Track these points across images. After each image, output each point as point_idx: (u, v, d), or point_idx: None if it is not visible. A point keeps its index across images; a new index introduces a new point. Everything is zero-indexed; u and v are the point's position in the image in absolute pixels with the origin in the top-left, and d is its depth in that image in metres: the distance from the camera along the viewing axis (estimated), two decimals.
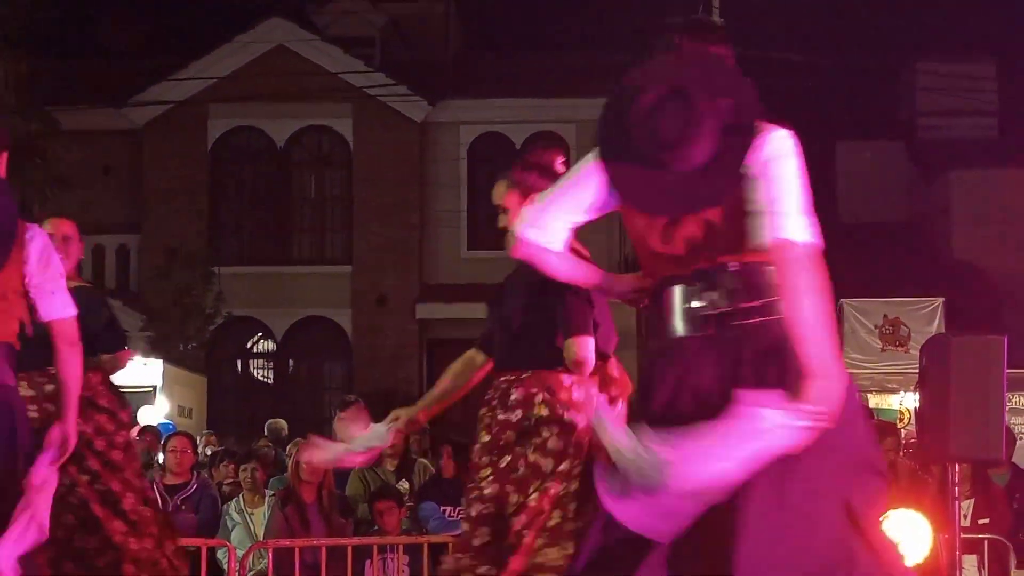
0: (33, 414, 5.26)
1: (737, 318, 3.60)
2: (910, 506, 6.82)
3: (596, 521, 3.57)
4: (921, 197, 25.14)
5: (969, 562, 8.01)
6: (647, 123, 3.63)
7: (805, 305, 3.53)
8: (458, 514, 8.33)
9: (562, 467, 4.85)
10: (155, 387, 17.93)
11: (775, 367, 3.54)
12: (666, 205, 3.66)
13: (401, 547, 8.37)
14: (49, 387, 5.45)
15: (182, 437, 9.76)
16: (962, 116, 24.74)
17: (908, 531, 6.72)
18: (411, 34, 25.00)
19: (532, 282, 4.72)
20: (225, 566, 8.20)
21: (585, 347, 4.88)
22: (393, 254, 22.54)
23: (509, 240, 4.05)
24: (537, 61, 23.70)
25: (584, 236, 4.13)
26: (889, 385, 16.29)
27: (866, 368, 16.13)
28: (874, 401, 16.02)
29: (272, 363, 23.93)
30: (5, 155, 4.89)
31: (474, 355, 5.39)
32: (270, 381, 23.98)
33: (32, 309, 4.71)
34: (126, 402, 6.64)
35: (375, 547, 8.28)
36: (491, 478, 4.91)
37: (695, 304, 3.63)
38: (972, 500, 8.66)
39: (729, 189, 3.61)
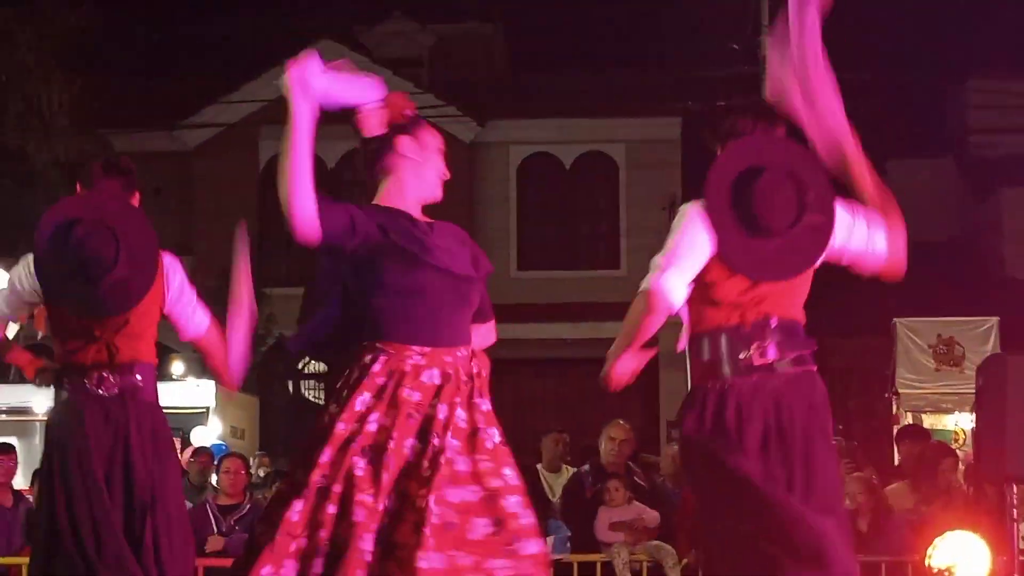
0: None
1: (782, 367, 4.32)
2: (967, 528, 6.76)
3: None
4: (972, 215, 24.97)
5: None
6: (769, 199, 4.23)
7: None
8: None
9: None
10: (208, 408, 18.04)
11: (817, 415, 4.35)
12: (768, 272, 4.30)
13: None
14: None
15: (235, 458, 9.79)
16: (1013, 133, 24.56)
17: (965, 553, 6.67)
18: (459, 55, 25.08)
19: None
20: None
21: None
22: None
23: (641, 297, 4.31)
24: (586, 80, 23.73)
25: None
26: (944, 405, 16.15)
27: (920, 388, 15.99)
28: (928, 421, 15.88)
29: (323, 384, 24.01)
30: (138, 195, 5.61)
31: None
32: (321, 401, 24.04)
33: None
34: None
35: None
36: None
37: (743, 355, 4.30)
38: None
39: (816, 261, 4.39)
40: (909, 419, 15.74)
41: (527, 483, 4.10)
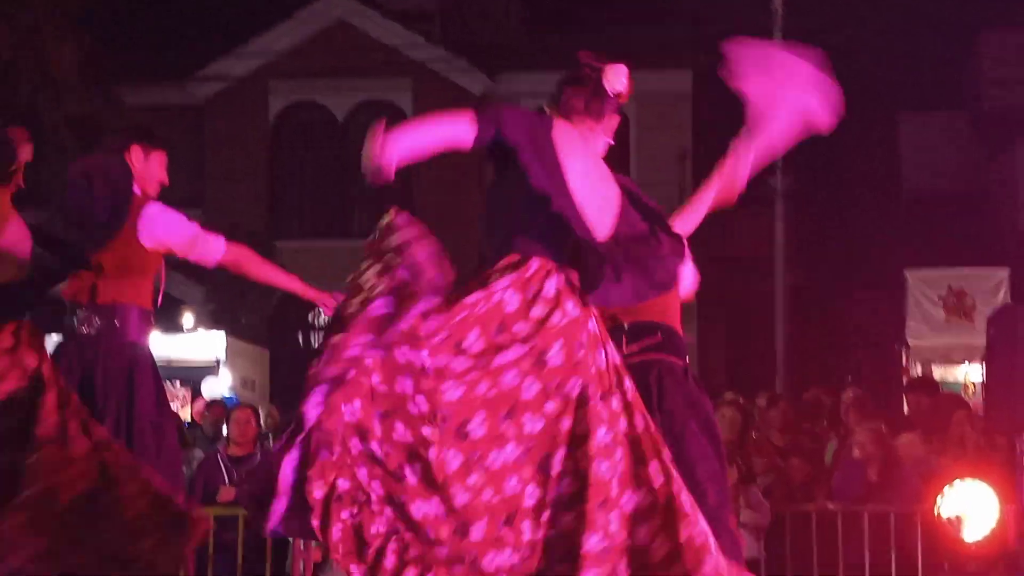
0: None
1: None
2: (977, 477, 6.77)
3: None
4: (985, 168, 24.87)
5: None
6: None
7: None
8: None
9: None
10: (218, 360, 18.09)
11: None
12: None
13: None
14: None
15: (246, 409, 9.82)
16: None
17: (975, 502, 6.68)
18: (471, 10, 24.98)
19: None
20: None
21: None
22: (453, 227, 22.53)
23: None
24: (596, 34, 23.60)
25: None
26: (954, 357, 16.14)
27: (930, 339, 15.99)
28: (938, 373, 15.87)
29: None
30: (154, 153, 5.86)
31: None
32: None
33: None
34: None
35: None
36: None
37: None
38: None
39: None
40: (919, 370, 15.75)
41: None
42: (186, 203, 23.56)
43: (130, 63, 21.47)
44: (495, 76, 22.81)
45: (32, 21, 17.93)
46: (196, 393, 16.67)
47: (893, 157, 23.73)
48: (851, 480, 8.24)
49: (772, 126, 4.73)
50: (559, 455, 4.05)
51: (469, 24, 24.48)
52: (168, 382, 11.70)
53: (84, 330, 5.44)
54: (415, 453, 3.98)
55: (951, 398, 9.89)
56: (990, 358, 7.46)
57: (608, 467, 4.04)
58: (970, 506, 6.67)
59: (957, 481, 6.67)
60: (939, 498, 6.72)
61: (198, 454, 9.95)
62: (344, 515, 3.96)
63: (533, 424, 4.05)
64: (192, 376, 17.31)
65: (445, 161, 23.70)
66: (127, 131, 5.97)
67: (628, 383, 4.21)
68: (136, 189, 5.65)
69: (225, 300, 20.95)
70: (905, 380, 14.42)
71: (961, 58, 26.41)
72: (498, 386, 4.05)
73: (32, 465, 4.91)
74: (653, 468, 4.11)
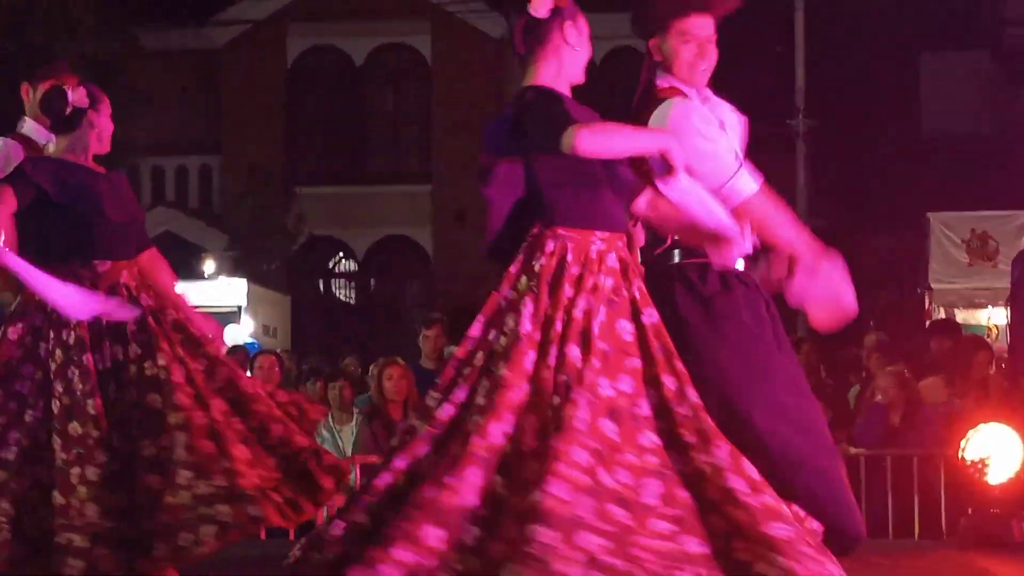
0: None
1: None
2: (1001, 421, 6.73)
3: None
4: (1008, 108, 24.65)
5: None
6: None
7: None
8: None
9: None
10: (240, 307, 18.11)
11: None
12: None
13: None
14: None
15: (269, 355, 9.81)
16: None
17: (999, 446, 6.64)
18: None
19: None
20: None
21: None
22: (472, 171, 22.48)
23: None
24: None
25: None
26: (977, 300, 16.06)
27: (953, 283, 15.90)
28: (961, 316, 15.79)
29: (353, 282, 24.06)
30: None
31: None
32: (352, 300, 24.13)
33: None
34: None
35: None
36: None
37: None
38: None
39: None
40: (942, 314, 15.67)
41: None
42: (204, 149, 23.70)
43: (147, 5, 21.40)
44: None
45: None
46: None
47: (914, 98, 23.53)
48: (873, 424, 8.22)
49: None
50: None
51: None
52: None
53: None
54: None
55: (972, 340, 9.85)
56: (1014, 301, 7.42)
57: None
58: (994, 449, 6.63)
59: (981, 425, 6.63)
60: (963, 441, 6.68)
61: None
62: None
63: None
64: None
65: (462, 101, 23.59)
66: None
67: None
68: None
69: (246, 247, 20.96)
70: (928, 324, 14.36)
71: None
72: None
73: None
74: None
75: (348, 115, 23.49)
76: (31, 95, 5.79)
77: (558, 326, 3.91)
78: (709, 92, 4.61)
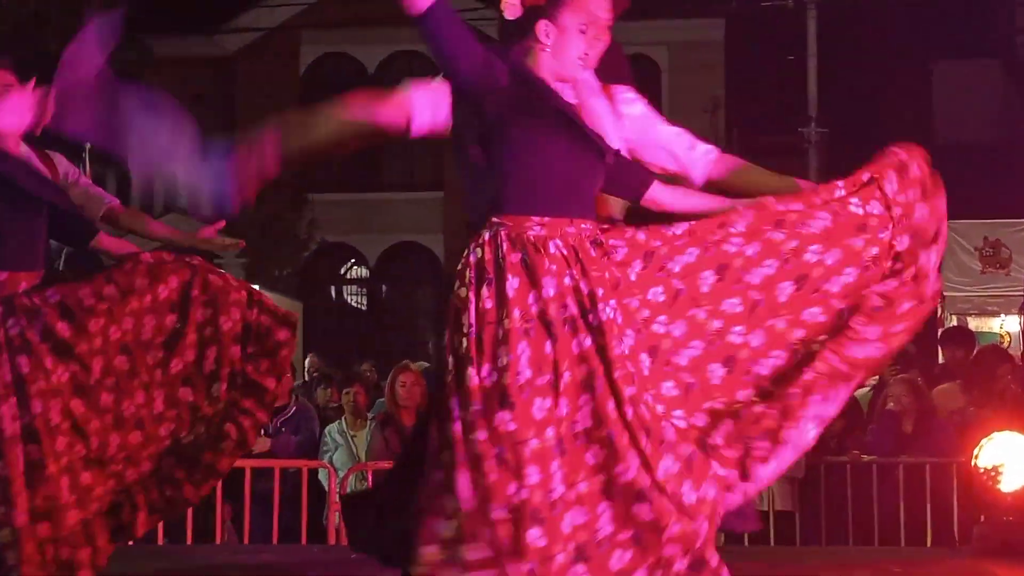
0: None
1: None
2: (1015, 429, 6.72)
3: None
4: (1021, 116, 24.64)
5: None
6: None
7: None
8: None
9: None
10: None
11: None
12: None
13: None
14: None
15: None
16: None
17: (1013, 453, 6.64)
18: None
19: None
20: (326, 487, 8.30)
21: None
22: None
23: None
24: None
25: None
26: (989, 308, 16.04)
27: (966, 291, 15.88)
28: (974, 324, 15.76)
29: (365, 289, 24.09)
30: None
31: None
32: (364, 307, 24.16)
33: None
34: None
35: None
36: None
37: None
38: None
39: None
40: (954, 322, 15.65)
41: None
42: None
43: (161, 14, 21.47)
44: None
45: None
46: None
47: (927, 107, 23.54)
48: (886, 432, 8.20)
49: None
50: None
51: None
52: None
53: None
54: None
55: (995, 351, 9.77)
56: None
57: None
58: (1008, 456, 6.63)
59: (995, 433, 6.63)
60: (976, 449, 6.68)
61: None
62: None
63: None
64: None
65: None
66: None
67: None
68: None
69: (258, 253, 21.01)
70: (940, 332, 14.35)
71: (994, 7, 26.16)
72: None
73: None
74: None
75: None
76: None
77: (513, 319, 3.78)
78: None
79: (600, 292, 3.85)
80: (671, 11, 21.95)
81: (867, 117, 22.38)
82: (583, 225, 3.95)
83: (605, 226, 4.08)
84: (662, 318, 3.94)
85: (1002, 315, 16.05)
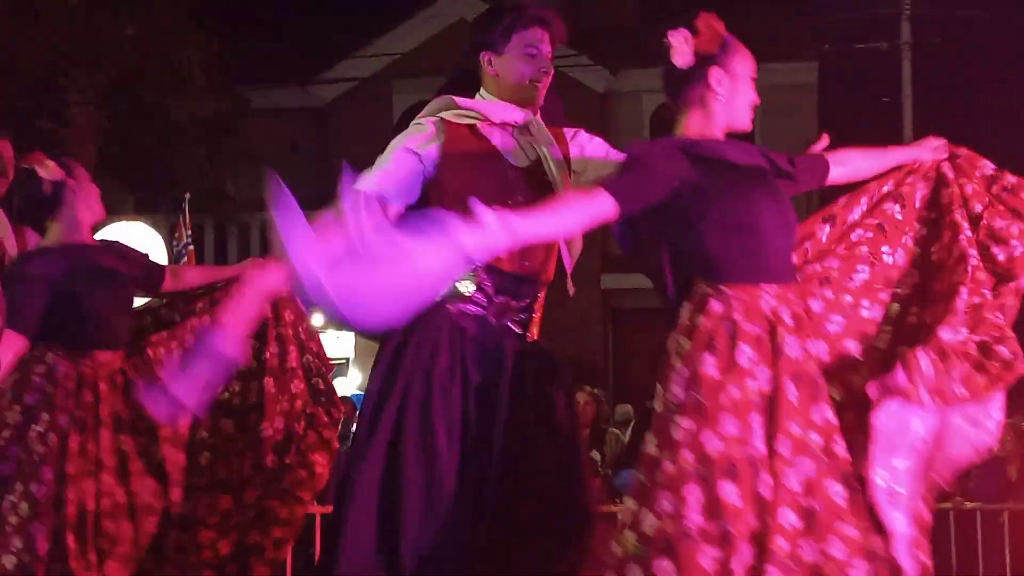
0: None
1: None
2: None
3: None
4: None
5: None
6: None
7: None
8: None
9: None
10: (348, 359, 18.24)
11: None
12: None
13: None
14: None
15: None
16: None
17: None
18: (590, 3, 24.92)
19: None
20: None
21: None
22: None
23: None
24: None
25: None
26: None
27: None
28: None
29: None
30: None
31: None
32: None
33: None
34: None
35: None
36: None
37: None
38: None
39: None
40: None
41: None
42: (313, 203, 23.94)
43: (257, 66, 21.79)
44: (617, 72, 22.76)
45: (159, 23, 18.25)
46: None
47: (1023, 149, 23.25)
48: (990, 478, 8.08)
49: None
50: None
51: (589, 20, 24.44)
52: None
53: None
54: None
55: None
56: None
57: None
58: None
59: None
60: None
61: None
62: None
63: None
64: None
65: None
66: None
67: None
68: None
69: None
70: None
71: None
72: None
73: None
74: None
75: None
76: None
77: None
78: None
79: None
80: (764, 54, 21.81)
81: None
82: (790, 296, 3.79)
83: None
84: None
85: None
